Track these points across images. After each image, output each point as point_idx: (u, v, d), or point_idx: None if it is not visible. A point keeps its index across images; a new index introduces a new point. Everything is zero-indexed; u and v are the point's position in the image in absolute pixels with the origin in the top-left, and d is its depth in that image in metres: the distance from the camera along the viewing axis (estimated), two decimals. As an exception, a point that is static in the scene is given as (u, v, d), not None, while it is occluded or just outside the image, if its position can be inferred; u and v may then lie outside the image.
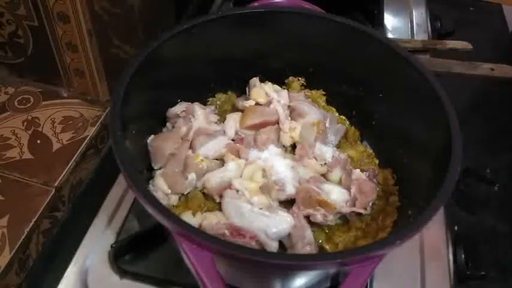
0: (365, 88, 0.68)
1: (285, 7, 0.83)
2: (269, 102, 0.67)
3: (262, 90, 0.68)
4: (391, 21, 1.06)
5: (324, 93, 0.72)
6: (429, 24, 1.06)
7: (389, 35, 1.02)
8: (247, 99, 0.68)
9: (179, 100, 0.66)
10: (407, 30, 1.05)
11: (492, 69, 0.86)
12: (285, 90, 0.70)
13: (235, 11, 0.70)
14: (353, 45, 0.66)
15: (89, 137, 0.76)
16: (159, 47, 0.59)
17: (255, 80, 0.70)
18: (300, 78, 0.73)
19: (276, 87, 0.70)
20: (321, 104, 0.71)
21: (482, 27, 1.10)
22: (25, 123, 0.78)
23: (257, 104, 0.67)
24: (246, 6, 0.80)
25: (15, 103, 0.81)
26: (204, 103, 0.70)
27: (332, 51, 0.67)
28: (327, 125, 0.67)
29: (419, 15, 1.08)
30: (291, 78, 0.73)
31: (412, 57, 0.62)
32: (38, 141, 0.75)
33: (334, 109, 0.72)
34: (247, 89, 0.70)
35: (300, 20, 0.67)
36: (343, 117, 0.72)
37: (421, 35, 1.03)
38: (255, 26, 0.67)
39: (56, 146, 0.75)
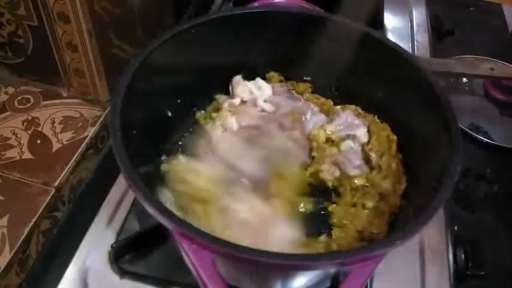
0: (365, 88, 0.68)
1: (285, 7, 0.83)
2: (254, 100, 0.68)
3: (246, 88, 0.69)
4: (391, 21, 1.06)
5: (310, 85, 0.73)
6: (429, 24, 1.06)
7: (389, 35, 1.02)
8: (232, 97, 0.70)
9: (179, 101, 0.66)
10: (407, 30, 1.04)
11: (492, 69, 0.86)
12: (268, 85, 0.70)
13: (235, 11, 0.70)
14: (353, 45, 0.65)
15: (89, 137, 0.76)
16: (159, 47, 0.59)
17: (238, 78, 0.70)
18: (277, 73, 0.73)
19: (260, 81, 0.70)
20: (305, 95, 0.72)
21: (482, 27, 1.10)
22: (25, 123, 0.78)
23: (242, 101, 0.68)
24: (246, 6, 0.80)
25: (15, 103, 0.81)
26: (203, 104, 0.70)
27: (332, 51, 0.67)
28: (308, 117, 0.68)
29: (419, 15, 1.08)
30: (271, 73, 0.73)
31: (412, 57, 0.62)
32: (38, 141, 0.76)
33: (324, 99, 0.72)
34: (230, 87, 0.71)
35: (300, 20, 0.67)
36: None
37: (421, 35, 1.03)
38: (255, 26, 0.67)
39: (56, 146, 0.75)
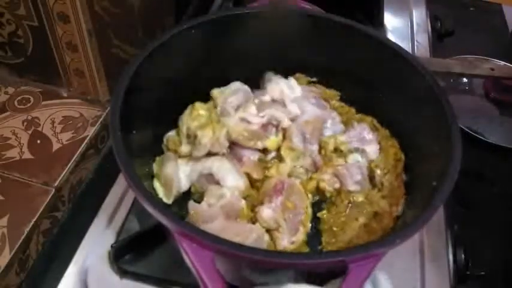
0: (365, 88, 0.68)
1: (285, 7, 0.83)
2: (282, 100, 0.66)
3: (278, 86, 0.67)
4: (391, 21, 1.06)
5: (338, 93, 0.71)
6: (429, 24, 1.06)
7: (389, 35, 1.02)
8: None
9: (179, 100, 0.66)
10: (407, 30, 1.05)
11: (492, 69, 0.86)
12: (299, 87, 0.69)
13: (235, 11, 0.70)
14: (353, 45, 0.66)
15: (88, 137, 0.76)
16: (159, 47, 0.59)
17: (270, 75, 0.69)
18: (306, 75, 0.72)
19: (292, 81, 0.69)
20: (331, 103, 0.71)
21: (482, 27, 1.10)
22: (25, 123, 0.78)
23: (273, 100, 0.67)
24: (246, 6, 0.80)
25: (15, 103, 0.81)
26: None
27: (332, 51, 0.67)
28: (328, 125, 0.67)
29: (419, 15, 1.08)
30: (297, 74, 0.72)
31: (412, 57, 0.62)
32: (38, 141, 0.76)
33: (348, 108, 0.71)
34: (260, 82, 0.70)
35: (300, 20, 0.67)
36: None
37: (421, 35, 1.03)
38: (255, 26, 0.67)
39: (56, 146, 0.75)
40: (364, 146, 0.64)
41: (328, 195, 0.62)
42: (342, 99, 0.71)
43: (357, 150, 0.64)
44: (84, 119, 0.79)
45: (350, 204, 0.61)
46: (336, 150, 0.65)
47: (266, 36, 0.67)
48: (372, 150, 0.64)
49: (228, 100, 0.65)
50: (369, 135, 0.65)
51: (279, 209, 0.57)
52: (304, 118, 0.65)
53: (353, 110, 0.70)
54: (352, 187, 0.61)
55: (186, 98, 0.67)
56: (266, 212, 0.56)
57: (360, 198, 0.61)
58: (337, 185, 0.62)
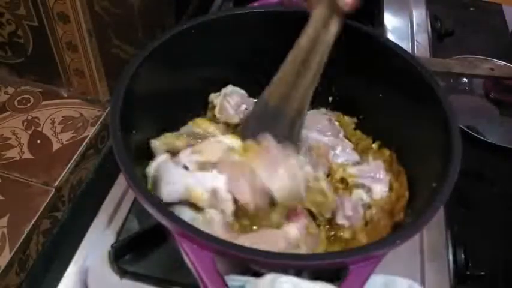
0: (364, 89, 0.68)
1: (284, 7, 0.83)
2: None
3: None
4: (391, 21, 1.06)
5: (355, 120, 0.70)
6: (429, 24, 1.06)
7: (389, 35, 1.02)
8: None
9: (179, 101, 0.66)
10: (407, 30, 1.05)
11: (492, 69, 0.86)
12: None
13: (235, 11, 0.70)
14: (352, 45, 0.65)
15: (88, 137, 0.76)
16: (159, 47, 0.59)
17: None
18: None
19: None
20: (348, 130, 0.69)
21: (482, 27, 1.10)
22: (25, 123, 0.78)
23: None
24: (246, 6, 0.80)
25: (15, 103, 0.81)
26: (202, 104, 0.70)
27: (331, 51, 0.67)
28: (338, 152, 0.65)
29: (419, 15, 1.08)
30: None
31: (412, 57, 0.62)
32: (38, 141, 0.76)
33: (360, 134, 0.69)
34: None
35: (300, 20, 0.67)
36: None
37: (421, 35, 1.03)
38: (254, 26, 0.67)
39: (56, 146, 0.75)
40: (372, 184, 0.61)
41: (317, 222, 0.59)
42: (358, 128, 0.70)
43: (363, 186, 0.61)
44: (84, 119, 0.79)
45: (333, 237, 0.59)
46: (343, 181, 0.62)
47: (265, 37, 0.67)
48: (379, 190, 0.61)
49: (226, 98, 0.67)
50: (381, 175, 0.62)
51: (304, 232, 0.54)
52: (307, 144, 0.63)
53: (369, 140, 0.68)
54: (340, 221, 0.58)
55: (186, 98, 0.67)
56: (293, 232, 0.54)
57: (347, 235, 0.58)
58: (328, 215, 0.59)
